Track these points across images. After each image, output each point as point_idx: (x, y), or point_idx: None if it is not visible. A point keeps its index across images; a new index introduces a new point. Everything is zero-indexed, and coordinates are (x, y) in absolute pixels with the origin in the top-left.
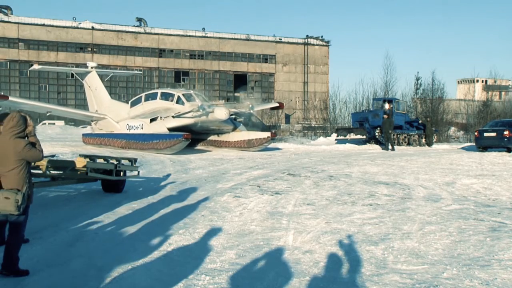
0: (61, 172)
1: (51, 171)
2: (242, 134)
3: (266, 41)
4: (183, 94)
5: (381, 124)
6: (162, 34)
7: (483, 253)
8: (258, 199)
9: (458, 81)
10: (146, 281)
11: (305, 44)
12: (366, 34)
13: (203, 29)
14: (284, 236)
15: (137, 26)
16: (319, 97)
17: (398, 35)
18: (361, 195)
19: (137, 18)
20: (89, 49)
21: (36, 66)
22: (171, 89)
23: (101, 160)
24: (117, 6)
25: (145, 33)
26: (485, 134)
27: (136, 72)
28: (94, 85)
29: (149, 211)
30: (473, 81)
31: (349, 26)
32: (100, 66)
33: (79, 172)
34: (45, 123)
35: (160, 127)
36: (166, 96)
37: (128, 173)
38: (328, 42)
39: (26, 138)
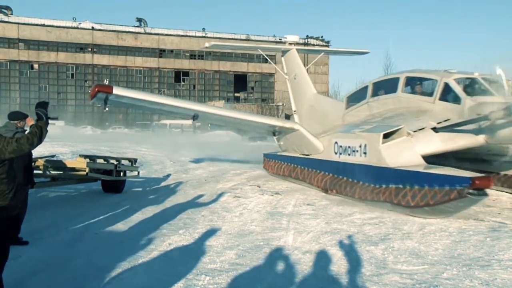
0: (61, 172)
1: (51, 171)
2: None
3: (266, 41)
4: (455, 80)
5: None
6: (162, 34)
7: (483, 253)
8: (258, 199)
9: None
10: (146, 281)
11: (305, 44)
12: (366, 34)
13: (203, 29)
14: (284, 236)
15: (137, 26)
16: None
17: (398, 35)
18: None
19: (137, 18)
20: (89, 49)
21: (208, 44)
22: (428, 71)
23: (101, 161)
24: (117, 6)
25: (145, 33)
26: None
27: (365, 50)
28: (292, 71)
29: (149, 212)
30: None
31: (349, 26)
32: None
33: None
34: None
35: (406, 152)
36: (415, 86)
37: (128, 173)
38: (328, 42)
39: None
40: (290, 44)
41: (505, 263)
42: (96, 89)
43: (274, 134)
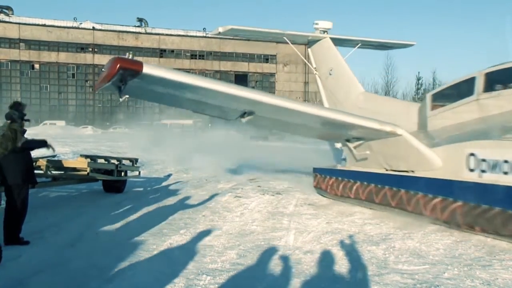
0: (62, 172)
1: (52, 171)
2: None
3: (266, 41)
4: None
5: None
6: (163, 34)
7: (484, 253)
8: (259, 199)
9: None
10: (147, 281)
11: (306, 44)
12: (366, 34)
13: (204, 29)
14: (285, 236)
15: (138, 26)
16: (320, 97)
17: (398, 35)
18: None
19: (138, 18)
20: (90, 49)
21: (222, 29)
22: None
23: (102, 161)
24: (118, 6)
25: (146, 33)
26: None
27: (410, 42)
28: (326, 65)
29: (149, 211)
30: None
31: (349, 26)
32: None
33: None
34: (46, 123)
35: None
36: None
37: (129, 173)
38: None
39: None
40: (323, 31)
41: (506, 263)
42: (118, 65)
43: (347, 141)
